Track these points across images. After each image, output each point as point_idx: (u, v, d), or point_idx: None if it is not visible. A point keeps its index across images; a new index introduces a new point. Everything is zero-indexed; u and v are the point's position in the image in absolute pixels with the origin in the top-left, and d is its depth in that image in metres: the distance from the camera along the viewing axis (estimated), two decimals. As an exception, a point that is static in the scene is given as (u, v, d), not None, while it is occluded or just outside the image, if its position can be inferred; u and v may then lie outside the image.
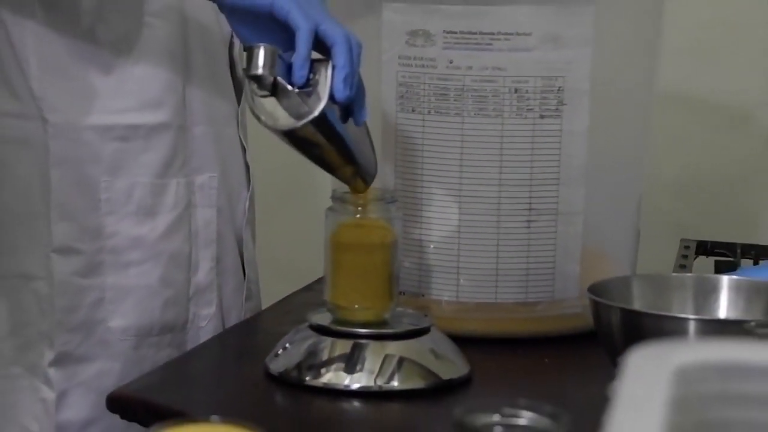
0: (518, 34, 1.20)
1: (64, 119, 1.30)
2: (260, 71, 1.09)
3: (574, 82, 1.22)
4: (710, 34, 1.85)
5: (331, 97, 1.09)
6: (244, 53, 1.14)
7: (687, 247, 1.58)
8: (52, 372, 1.26)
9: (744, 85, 1.90)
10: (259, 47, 1.09)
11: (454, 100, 1.22)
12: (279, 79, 1.10)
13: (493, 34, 1.20)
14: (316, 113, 1.09)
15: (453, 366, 1.10)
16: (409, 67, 1.23)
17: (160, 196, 1.34)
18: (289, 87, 1.10)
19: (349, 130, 1.13)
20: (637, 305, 1.05)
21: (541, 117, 1.22)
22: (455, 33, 1.21)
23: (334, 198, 1.15)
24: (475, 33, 1.20)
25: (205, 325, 1.39)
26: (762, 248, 1.57)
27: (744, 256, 1.55)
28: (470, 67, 1.21)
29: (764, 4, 1.86)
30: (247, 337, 1.34)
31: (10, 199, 1.30)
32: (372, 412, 1.06)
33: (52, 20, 1.29)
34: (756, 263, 1.49)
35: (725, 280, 1.10)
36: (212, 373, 1.19)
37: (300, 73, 1.09)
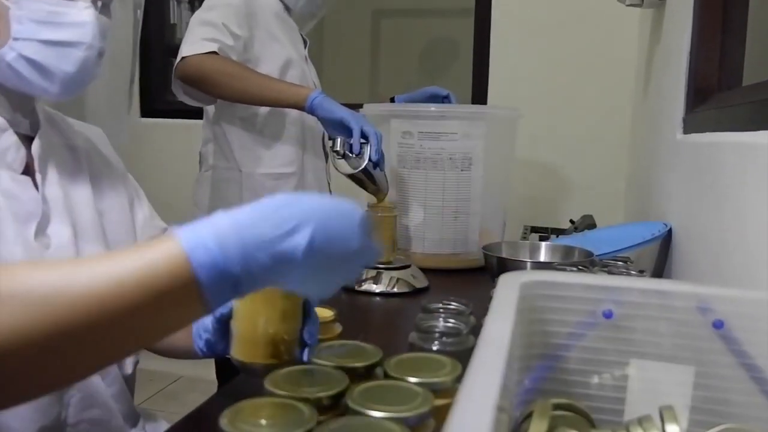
0: (451, 133, 1.20)
1: (249, 170, 1.30)
2: (338, 149, 1.10)
3: (476, 154, 1.21)
4: (541, 128, 1.83)
5: (369, 159, 1.10)
6: (330, 140, 1.14)
7: (526, 229, 1.58)
8: None
9: (560, 157, 1.87)
10: (338, 138, 1.10)
11: (423, 163, 1.21)
12: (346, 151, 1.10)
13: (440, 133, 1.20)
14: (363, 166, 1.10)
15: (421, 282, 1.09)
16: (402, 147, 1.23)
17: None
18: (351, 154, 1.10)
19: (377, 173, 1.13)
20: (504, 255, 1.04)
21: (462, 170, 1.21)
22: (424, 132, 1.20)
23: (368, 205, 1.15)
24: (432, 132, 1.20)
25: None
26: (560, 230, 1.56)
27: (552, 233, 1.55)
28: (431, 148, 1.20)
29: (570, 116, 1.85)
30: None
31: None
32: (385, 302, 1.03)
33: (243, 126, 1.29)
34: (557, 237, 1.48)
35: (543, 244, 1.08)
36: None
37: (356, 148, 1.10)
